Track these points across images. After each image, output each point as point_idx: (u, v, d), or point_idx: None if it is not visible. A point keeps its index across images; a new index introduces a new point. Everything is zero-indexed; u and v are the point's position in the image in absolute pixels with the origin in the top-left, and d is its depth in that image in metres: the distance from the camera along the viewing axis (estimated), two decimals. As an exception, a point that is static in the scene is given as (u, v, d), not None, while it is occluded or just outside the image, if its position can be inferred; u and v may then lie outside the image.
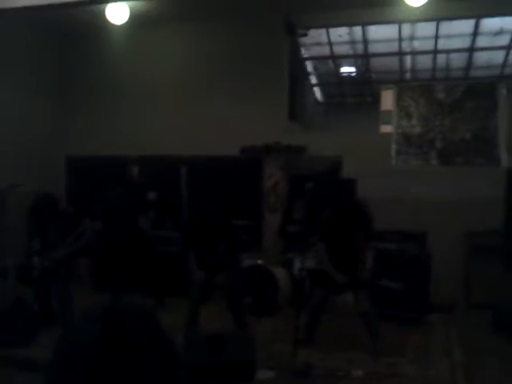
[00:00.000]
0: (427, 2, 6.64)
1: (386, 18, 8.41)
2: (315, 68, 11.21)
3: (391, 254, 6.51)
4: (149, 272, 6.95)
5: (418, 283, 6.35)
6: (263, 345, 5.01)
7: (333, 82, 12.03)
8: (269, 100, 8.34)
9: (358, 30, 9.38)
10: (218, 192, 7.42)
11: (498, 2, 7.53)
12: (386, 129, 8.22)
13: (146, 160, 8.33)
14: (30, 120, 8.59)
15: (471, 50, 9.80)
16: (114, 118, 8.97)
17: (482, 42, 9.45)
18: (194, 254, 5.48)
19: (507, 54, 9.92)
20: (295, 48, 9.41)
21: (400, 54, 10.27)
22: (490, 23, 8.76)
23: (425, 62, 10.58)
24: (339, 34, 9.58)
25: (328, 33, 9.50)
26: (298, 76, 10.08)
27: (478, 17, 8.45)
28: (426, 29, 9.14)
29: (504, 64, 10.27)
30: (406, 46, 10.00)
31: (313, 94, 12.01)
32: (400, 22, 8.81)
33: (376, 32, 9.37)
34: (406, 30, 9.29)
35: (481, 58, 10.17)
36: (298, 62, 9.91)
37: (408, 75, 11.28)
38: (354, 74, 11.72)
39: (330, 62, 10.99)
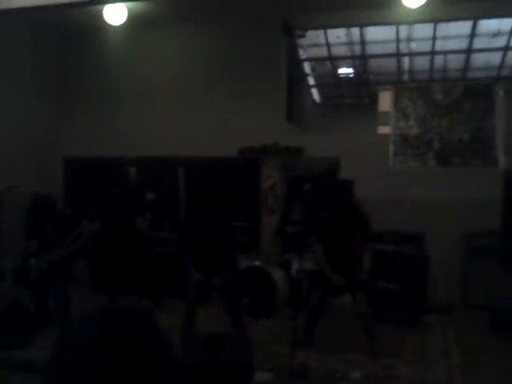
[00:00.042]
0: (425, 4, 6.67)
1: (383, 20, 8.42)
2: (313, 69, 11.22)
3: (389, 255, 6.51)
4: (146, 273, 6.94)
5: (416, 284, 6.35)
6: (261, 346, 5.01)
7: (331, 84, 12.05)
8: (267, 101, 8.33)
9: (355, 31, 9.40)
10: (216, 193, 7.40)
11: (495, 3, 7.54)
12: (384, 130, 8.25)
13: (144, 161, 8.32)
14: (27, 121, 8.55)
15: (469, 51, 9.83)
16: (111, 119, 8.95)
17: (479, 43, 9.48)
18: (190, 256, 5.48)
19: (504, 56, 9.95)
20: (293, 49, 9.41)
21: (398, 55, 10.29)
22: (488, 25, 8.79)
23: (422, 63, 10.60)
24: (337, 35, 9.60)
25: (326, 34, 9.52)
26: (295, 77, 10.09)
27: (476, 18, 8.47)
28: (424, 30, 9.16)
29: (501, 65, 10.30)
30: (403, 48, 10.02)
31: (311, 95, 12.03)
32: (398, 24, 8.83)
33: (374, 33, 9.39)
34: (404, 31, 9.31)
35: (478, 59, 10.20)
36: (295, 64, 9.92)
37: (406, 76, 11.31)
38: (351, 76, 11.74)
39: (328, 63, 11.00)
